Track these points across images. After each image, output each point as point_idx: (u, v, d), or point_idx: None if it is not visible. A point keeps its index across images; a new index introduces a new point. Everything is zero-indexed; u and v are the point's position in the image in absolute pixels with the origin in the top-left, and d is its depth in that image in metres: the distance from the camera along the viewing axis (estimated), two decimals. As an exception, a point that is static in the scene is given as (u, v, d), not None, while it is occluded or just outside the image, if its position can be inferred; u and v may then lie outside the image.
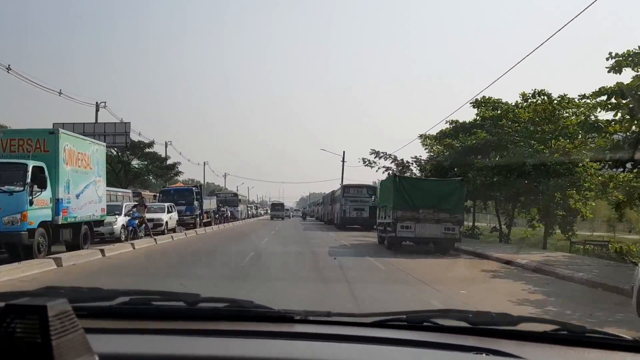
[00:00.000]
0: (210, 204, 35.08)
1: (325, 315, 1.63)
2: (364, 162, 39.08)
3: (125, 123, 33.13)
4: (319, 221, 58.46)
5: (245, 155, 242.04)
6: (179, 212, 29.68)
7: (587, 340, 1.45)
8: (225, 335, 1.44)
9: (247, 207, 65.85)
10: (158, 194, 31.32)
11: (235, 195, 53.16)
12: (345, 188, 33.98)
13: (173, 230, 25.90)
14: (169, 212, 25.45)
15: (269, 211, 73.69)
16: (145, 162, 51.59)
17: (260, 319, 1.59)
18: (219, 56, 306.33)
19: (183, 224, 30.11)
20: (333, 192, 45.46)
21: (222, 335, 1.44)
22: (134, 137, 45.49)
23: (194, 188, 31.45)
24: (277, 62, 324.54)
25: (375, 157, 37.80)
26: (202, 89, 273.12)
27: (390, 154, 37.66)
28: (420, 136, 31.45)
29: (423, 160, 32.15)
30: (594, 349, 1.41)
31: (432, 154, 31.96)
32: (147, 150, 50.49)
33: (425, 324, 1.57)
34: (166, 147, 57.44)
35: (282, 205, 69.36)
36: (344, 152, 56.37)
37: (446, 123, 30.53)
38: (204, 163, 76.17)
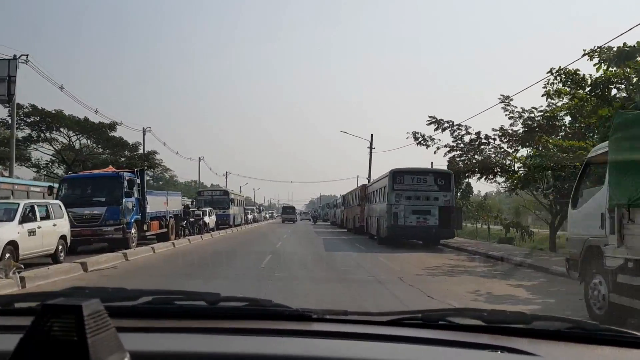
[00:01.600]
0: (167, 204, 20.91)
1: (342, 314, 1.64)
2: (415, 138, 25.24)
3: (9, 60, 19.01)
4: (336, 227, 44.27)
5: (253, 158, 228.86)
6: (82, 219, 15.78)
7: (601, 338, 1.43)
8: (245, 334, 1.45)
9: (246, 209, 51.80)
10: (59, 187, 17.20)
11: (225, 193, 38.90)
12: (397, 175, 19.64)
13: (54, 258, 12.08)
14: (26, 220, 11.40)
15: (274, 214, 73.60)
16: (105, 149, 38.10)
17: (279, 317, 1.60)
18: (221, 53, 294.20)
19: (96, 239, 16.22)
20: (364, 187, 31.00)
21: (242, 333, 1.45)
22: (92, 116, 34.61)
23: (121, 174, 17.27)
24: (284, 62, 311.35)
25: (436, 129, 23.88)
26: (203, 87, 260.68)
27: (460, 124, 23.59)
28: (552, 70, 16.81)
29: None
30: (607, 346, 1.40)
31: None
32: (111, 134, 37.12)
33: (440, 322, 1.56)
34: (144, 134, 43.96)
35: (293, 208, 69.68)
36: (371, 135, 42.27)
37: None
38: (199, 158, 62.65)
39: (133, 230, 16.90)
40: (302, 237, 27.26)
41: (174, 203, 22.04)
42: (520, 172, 18.21)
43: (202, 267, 12.24)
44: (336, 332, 1.46)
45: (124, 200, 16.45)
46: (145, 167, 40.42)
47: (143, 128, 43.12)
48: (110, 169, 18.44)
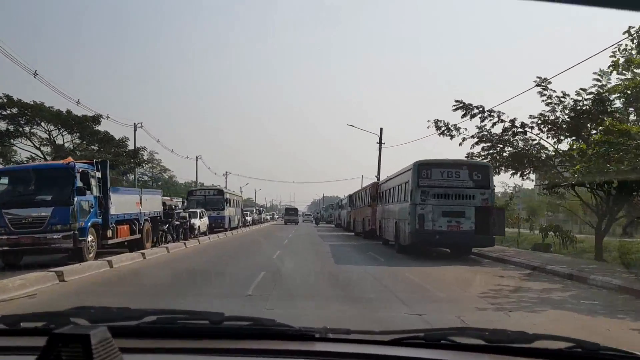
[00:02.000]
0: (141, 204, 17.19)
1: (345, 333, 1.63)
2: (437, 127, 21.61)
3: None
4: (342, 230, 40.54)
5: (254, 159, 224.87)
6: (22, 224, 12.26)
7: (601, 358, 1.44)
8: (249, 354, 1.45)
9: (244, 211, 48.05)
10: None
11: (220, 192, 35.07)
12: (423, 168, 15.81)
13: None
14: None
15: (275, 216, 71.17)
16: (89, 145, 34.66)
17: (281, 337, 1.60)
18: (221, 52, 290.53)
19: (39, 250, 12.70)
20: (376, 185, 27.23)
21: (246, 354, 1.45)
22: (73, 107, 31.30)
23: (72, 164, 13.47)
24: (284, 63, 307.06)
25: (464, 115, 20.30)
26: (203, 87, 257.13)
27: (492, 110, 20.00)
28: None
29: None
30: None
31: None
32: (96, 128, 33.61)
33: (442, 342, 1.54)
34: (135, 130, 40.37)
35: (295, 210, 69.96)
36: (381, 129, 38.52)
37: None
38: (197, 157, 59.05)
39: (90, 238, 13.17)
40: (305, 243, 23.51)
41: (151, 203, 18.34)
42: (580, 165, 14.44)
43: (156, 296, 8.40)
44: (339, 353, 1.46)
45: (76, 198, 12.72)
46: (133, 165, 37.21)
47: (134, 123, 39.45)
48: (69, 160, 14.71)
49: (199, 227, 27.54)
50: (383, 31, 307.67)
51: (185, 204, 34.37)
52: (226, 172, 72.81)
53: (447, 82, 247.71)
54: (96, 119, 32.63)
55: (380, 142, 38.09)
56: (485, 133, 20.04)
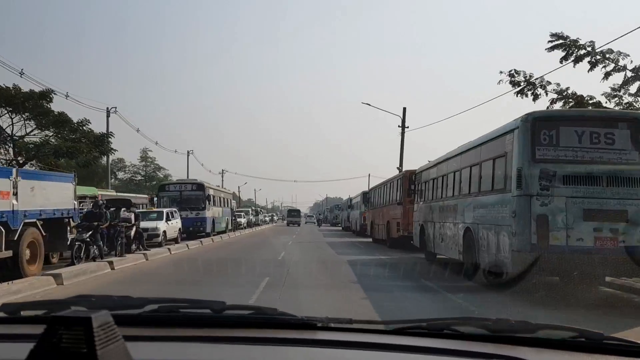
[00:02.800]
0: (22, 195, 9.50)
1: (347, 322, 1.61)
2: (513, 83, 14.90)
3: None
4: (353, 235, 32.96)
5: (257, 159, 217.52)
6: None
7: (606, 347, 1.42)
8: (250, 342, 1.44)
9: (236, 211, 40.45)
10: None
11: (200, 187, 26.93)
12: (543, 127, 8.10)
13: None
14: None
15: (274, 217, 66.19)
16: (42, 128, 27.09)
17: (283, 326, 1.59)
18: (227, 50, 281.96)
19: None
20: (412, 174, 19.11)
21: (247, 342, 1.44)
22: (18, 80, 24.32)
23: None
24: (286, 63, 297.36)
25: (564, 58, 12.96)
26: (207, 89, 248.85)
27: (611, 49, 12.48)
28: None
29: None
30: (612, 356, 1.38)
31: None
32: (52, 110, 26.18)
33: (445, 331, 1.54)
34: (108, 116, 33.23)
35: (298, 211, 69.32)
36: (404, 110, 30.79)
37: None
38: (188, 152, 51.98)
39: None
40: (312, 257, 15.89)
41: (47, 195, 10.69)
42: None
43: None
44: (341, 341, 1.45)
45: None
46: (97, 154, 29.46)
47: (107, 108, 32.28)
48: None
49: (164, 232, 19.94)
50: (387, 34, 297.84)
51: (157, 201, 26.84)
52: (222, 170, 65.44)
53: (453, 85, 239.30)
54: (45, 95, 25.04)
55: (403, 126, 30.38)
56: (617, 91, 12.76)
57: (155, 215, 20.31)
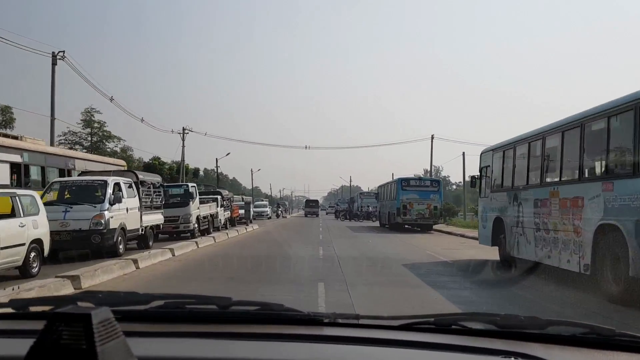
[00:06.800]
0: None
1: (354, 318, 1.61)
2: None
3: None
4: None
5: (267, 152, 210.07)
6: None
7: (617, 343, 1.38)
8: (256, 338, 1.43)
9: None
10: None
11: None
12: None
13: None
14: None
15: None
16: None
17: (290, 322, 1.59)
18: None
19: None
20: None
21: (253, 338, 1.43)
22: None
23: None
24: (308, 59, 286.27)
25: None
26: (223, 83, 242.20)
27: None
28: None
29: None
30: (623, 352, 1.35)
31: None
32: None
33: (453, 327, 1.52)
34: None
35: (316, 202, 67.53)
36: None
37: None
38: (183, 129, 42.68)
39: None
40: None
41: None
42: None
43: None
44: (347, 337, 1.44)
45: None
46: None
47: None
48: None
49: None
50: (399, 26, 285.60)
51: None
52: (184, 129, 43.93)
53: (467, 79, 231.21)
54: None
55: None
56: None
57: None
